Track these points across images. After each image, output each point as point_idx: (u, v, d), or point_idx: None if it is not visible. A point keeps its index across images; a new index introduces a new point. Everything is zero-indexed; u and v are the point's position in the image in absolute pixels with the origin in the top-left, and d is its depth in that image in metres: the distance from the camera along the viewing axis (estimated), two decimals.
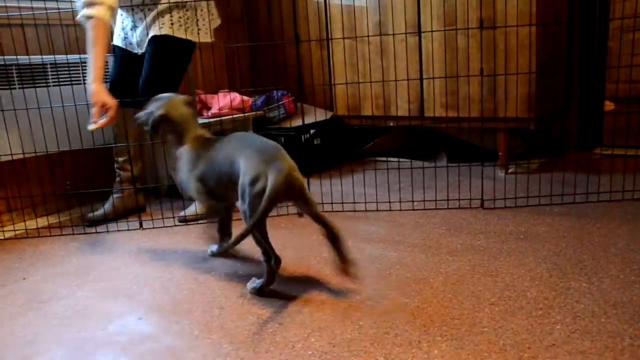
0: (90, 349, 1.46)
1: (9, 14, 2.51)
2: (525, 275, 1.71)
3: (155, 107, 1.96)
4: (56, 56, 2.64)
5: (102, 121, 2.24)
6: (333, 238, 1.71)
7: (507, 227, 2.16)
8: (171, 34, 2.47)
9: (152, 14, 2.47)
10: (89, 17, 2.22)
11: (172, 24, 2.47)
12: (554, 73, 3.10)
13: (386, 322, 1.48)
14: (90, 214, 2.59)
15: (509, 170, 2.98)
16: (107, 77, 2.64)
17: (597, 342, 1.31)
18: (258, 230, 1.64)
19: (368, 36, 3.13)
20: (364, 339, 1.40)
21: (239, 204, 1.68)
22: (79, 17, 2.24)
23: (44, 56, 2.61)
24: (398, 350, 1.34)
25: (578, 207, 2.33)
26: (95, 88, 2.24)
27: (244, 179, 1.64)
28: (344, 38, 3.23)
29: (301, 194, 1.67)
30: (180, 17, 2.48)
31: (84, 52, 2.72)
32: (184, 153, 1.91)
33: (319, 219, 1.71)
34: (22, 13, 2.55)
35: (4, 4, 2.52)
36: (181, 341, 1.46)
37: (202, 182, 1.85)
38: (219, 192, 1.84)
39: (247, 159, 1.66)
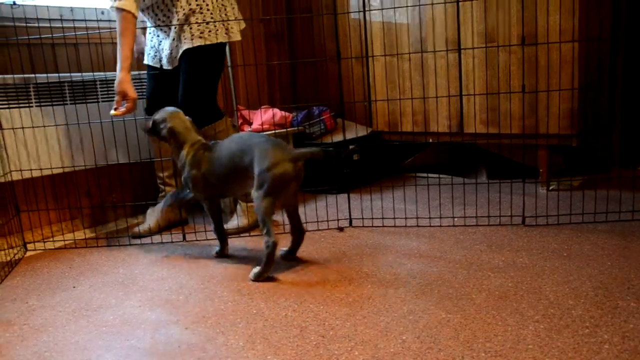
0: (139, 357, 1.50)
1: (65, 34, 2.62)
2: (570, 293, 1.69)
3: (160, 119, 2.24)
4: (107, 73, 2.74)
5: (121, 110, 2.38)
6: (299, 233, 2.14)
7: (549, 244, 2.14)
8: (203, 43, 2.41)
9: (175, 27, 2.42)
10: (118, 9, 2.28)
11: (201, 32, 2.41)
12: (597, 89, 3.06)
13: (429, 338, 1.48)
14: (136, 229, 2.66)
15: (551, 187, 2.95)
16: (144, 93, 2.72)
17: None
18: (270, 210, 1.95)
19: (409, 53, 3.15)
20: (407, 354, 1.40)
21: (252, 191, 1.98)
22: (109, 6, 2.31)
23: (95, 73, 2.72)
24: None
25: (623, 225, 2.29)
26: (122, 77, 2.34)
27: (261, 166, 1.94)
28: (384, 55, 3.26)
29: (299, 183, 2.04)
30: (204, 22, 2.41)
31: (134, 69, 2.80)
32: (185, 157, 2.19)
33: (294, 214, 2.11)
34: (76, 33, 2.66)
35: (60, 25, 2.64)
36: (227, 352, 1.49)
37: (204, 179, 2.15)
38: (221, 187, 2.15)
39: (261, 150, 1.97)
